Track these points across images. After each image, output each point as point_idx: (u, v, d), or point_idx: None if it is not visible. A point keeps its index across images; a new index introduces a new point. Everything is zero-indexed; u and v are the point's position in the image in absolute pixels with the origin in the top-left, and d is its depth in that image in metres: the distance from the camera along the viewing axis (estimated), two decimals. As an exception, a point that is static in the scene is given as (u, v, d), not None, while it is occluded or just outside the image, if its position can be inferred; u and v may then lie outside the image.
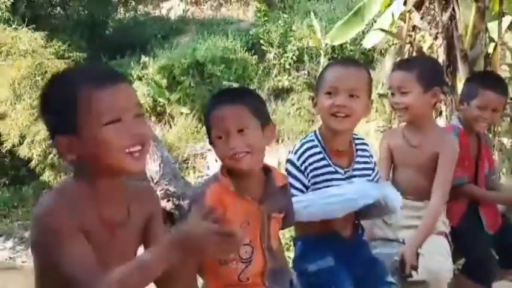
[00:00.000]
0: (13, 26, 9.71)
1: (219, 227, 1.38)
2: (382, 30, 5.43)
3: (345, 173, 2.22)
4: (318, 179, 2.19)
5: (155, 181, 6.86)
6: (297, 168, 2.19)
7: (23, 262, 7.79)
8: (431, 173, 2.63)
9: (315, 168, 2.19)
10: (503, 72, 5.38)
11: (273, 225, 1.96)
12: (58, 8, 12.26)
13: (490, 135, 5.10)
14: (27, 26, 9.73)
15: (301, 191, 2.17)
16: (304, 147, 2.20)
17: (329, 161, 2.20)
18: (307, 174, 2.18)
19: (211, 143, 1.91)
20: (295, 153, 2.21)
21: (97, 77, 1.51)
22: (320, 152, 2.20)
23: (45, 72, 8.62)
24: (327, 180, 2.19)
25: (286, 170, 2.20)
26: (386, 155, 2.74)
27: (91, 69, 1.64)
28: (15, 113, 8.63)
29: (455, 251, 2.72)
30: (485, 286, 2.78)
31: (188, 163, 9.33)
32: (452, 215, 2.81)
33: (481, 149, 2.96)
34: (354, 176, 2.24)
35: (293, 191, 2.13)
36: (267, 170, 1.95)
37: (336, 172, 2.21)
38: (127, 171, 1.51)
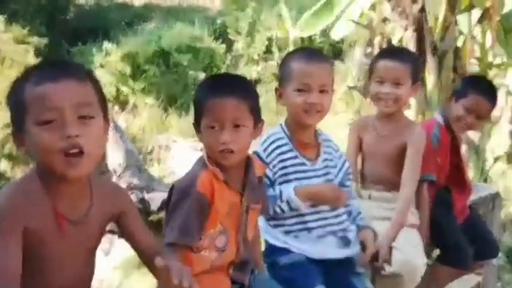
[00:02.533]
0: (-31, 10, 9.37)
1: None
2: (353, 21, 5.35)
3: (311, 164, 2.25)
4: (287, 171, 2.20)
5: (118, 174, 6.71)
6: (262, 160, 2.17)
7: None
8: (400, 164, 2.64)
9: (283, 160, 2.20)
10: (472, 66, 5.38)
11: (251, 216, 1.97)
12: (18, -8, 11.87)
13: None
14: (-16, 10, 9.41)
15: (268, 185, 2.17)
16: (271, 139, 2.22)
17: (296, 153, 2.22)
18: (274, 166, 2.19)
19: (197, 129, 1.88)
20: (262, 144, 2.22)
21: (40, 73, 1.49)
22: (286, 144, 2.22)
23: (4, 58, 8.33)
24: (296, 172, 2.21)
25: None
26: (355, 145, 2.76)
27: (44, 64, 1.59)
28: (-30, 100, 8.31)
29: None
30: (463, 269, 2.85)
31: (152, 155, 9.14)
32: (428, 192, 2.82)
33: (452, 138, 2.97)
34: (321, 168, 2.27)
35: None
36: (248, 160, 1.95)
37: (303, 164, 2.23)
38: (63, 176, 1.46)
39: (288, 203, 2.15)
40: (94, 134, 1.48)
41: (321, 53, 2.38)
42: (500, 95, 5.37)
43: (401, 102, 2.65)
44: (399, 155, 2.66)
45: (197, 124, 1.89)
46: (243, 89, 1.92)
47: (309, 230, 2.20)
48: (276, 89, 2.28)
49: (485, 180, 5.41)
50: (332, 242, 2.23)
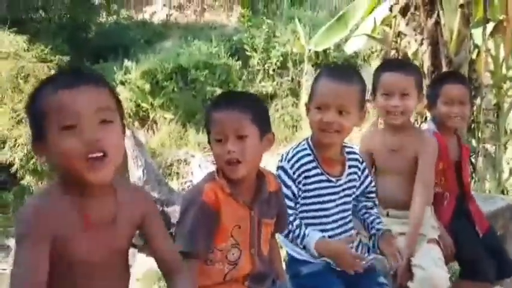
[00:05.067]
0: (-6, 30, 9.59)
1: None
2: (368, 35, 5.44)
3: (336, 181, 2.24)
4: (309, 187, 2.20)
5: (138, 187, 6.79)
6: (289, 176, 2.18)
7: (3, 269, 7.65)
8: (413, 181, 2.60)
9: (307, 177, 2.19)
10: (487, 79, 5.42)
11: (264, 230, 1.97)
12: (40, 11, 12.11)
13: (474, 141, 5.15)
14: (8, 29, 9.60)
15: (290, 199, 2.17)
16: (298, 155, 2.21)
17: (321, 169, 2.21)
18: (299, 183, 2.19)
19: (209, 143, 1.91)
20: (289, 161, 2.20)
21: (59, 79, 1.49)
22: (312, 161, 2.21)
23: (28, 75, 8.51)
24: (319, 189, 2.21)
25: (278, 176, 2.19)
26: (367, 160, 2.64)
27: (62, 72, 1.63)
28: (-4, 116, 8.51)
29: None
30: (484, 282, 2.76)
31: (171, 169, 9.25)
32: (440, 215, 2.79)
33: (462, 152, 2.95)
34: (344, 184, 2.26)
35: None
36: (260, 175, 1.95)
37: (328, 180, 2.23)
38: (86, 181, 1.46)
39: (304, 247, 2.16)
40: (114, 137, 1.48)
41: (349, 72, 2.26)
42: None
43: (409, 113, 2.60)
44: (411, 169, 2.60)
45: (209, 140, 1.92)
46: (244, 101, 1.92)
47: None
48: (306, 104, 2.26)
49: (502, 192, 5.39)
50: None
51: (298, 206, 2.21)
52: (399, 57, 4.90)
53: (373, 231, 2.38)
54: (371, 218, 2.41)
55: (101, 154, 1.43)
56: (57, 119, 1.42)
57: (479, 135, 5.11)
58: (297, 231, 2.16)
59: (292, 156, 2.21)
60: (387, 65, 2.86)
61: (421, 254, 2.51)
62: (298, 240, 2.16)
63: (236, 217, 1.88)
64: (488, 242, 2.84)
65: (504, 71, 5.72)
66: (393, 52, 5.03)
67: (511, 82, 5.71)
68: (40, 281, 1.40)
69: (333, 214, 2.25)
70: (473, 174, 4.92)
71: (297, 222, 2.17)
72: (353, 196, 2.35)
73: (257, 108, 1.93)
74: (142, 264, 5.67)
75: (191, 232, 1.80)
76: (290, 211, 2.15)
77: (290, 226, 2.16)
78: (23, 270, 1.40)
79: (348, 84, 2.17)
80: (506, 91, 5.72)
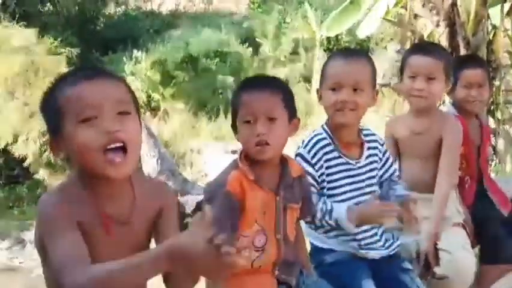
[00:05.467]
0: (3, 24, 9.57)
1: (217, 254, 1.26)
2: (384, 19, 5.35)
3: (356, 163, 2.21)
4: (331, 171, 2.18)
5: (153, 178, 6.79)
6: (307, 162, 2.15)
7: (20, 263, 7.69)
8: (437, 163, 2.56)
9: (327, 160, 2.17)
10: (505, 59, 5.34)
11: (290, 216, 1.95)
12: (48, 5, 12.10)
13: (493, 123, 5.07)
14: (17, 23, 9.60)
15: (312, 185, 2.14)
16: (314, 140, 2.19)
17: (339, 153, 2.19)
18: (320, 167, 2.16)
19: (234, 127, 1.89)
20: (305, 147, 2.18)
21: (74, 74, 1.49)
22: (329, 144, 2.19)
23: (38, 69, 8.49)
24: (340, 172, 2.19)
25: None
26: (391, 145, 2.64)
27: (75, 69, 1.60)
28: (8, 110, 8.50)
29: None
30: (509, 263, 2.72)
31: (185, 159, 9.24)
32: (463, 199, 2.76)
33: (482, 134, 2.91)
34: (365, 166, 2.23)
35: None
36: (283, 160, 1.93)
37: (348, 163, 2.20)
38: (105, 176, 1.44)
39: (336, 221, 2.10)
40: (133, 129, 1.47)
41: (359, 52, 2.30)
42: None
43: (434, 97, 2.57)
44: (436, 152, 2.57)
45: (234, 125, 1.89)
46: (276, 83, 1.92)
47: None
48: (317, 90, 2.23)
49: (523, 173, 5.34)
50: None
51: (323, 190, 2.18)
52: (416, 40, 4.83)
53: (392, 198, 2.27)
54: (395, 190, 2.32)
55: (121, 144, 1.42)
56: (75, 111, 1.41)
57: (499, 116, 5.03)
58: (324, 208, 2.13)
59: (309, 142, 2.19)
60: (417, 47, 2.84)
61: (447, 238, 2.47)
62: (327, 217, 2.11)
63: (261, 203, 1.86)
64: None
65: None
66: (409, 34, 4.96)
67: (529, 62, 5.61)
68: (87, 256, 1.38)
69: (355, 197, 2.20)
70: (494, 156, 4.84)
71: (320, 205, 2.14)
72: (377, 179, 2.29)
73: (287, 91, 1.91)
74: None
75: (215, 224, 1.78)
76: (315, 197, 2.12)
77: (316, 209, 2.13)
78: (68, 251, 1.37)
79: (360, 61, 2.18)
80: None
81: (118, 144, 1.42)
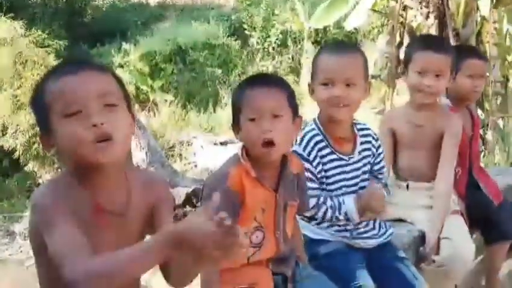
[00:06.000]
0: (-10, 16, 9.49)
1: (224, 233, 1.26)
2: (374, 10, 5.38)
3: (349, 159, 2.20)
4: (325, 167, 2.17)
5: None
6: (305, 159, 2.14)
7: (9, 255, 7.66)
8: (437, 154, 2.60)
9: (322, 156, 2.16)
10: (494, 50, 5.39)
11: (289, 214, 1.94)
12: (35, -4, 12.01)
13: (482, 114, 5.12)
14: (5, 15, 9.51)
15: (312, 181, 2.14)
16: (308, 136, 2.17)
17: (331, 148, 2.18)
18: (318, 164, 2.16)
19: (235, 126, 1.86)
20: (300, 144, 2.17)
21: (58, 70, 1.47)
22: (322, 140, 2.17)
23: (26, 61, 8.43)
24: (334, 168, 2.18)
25: None
26: (388, 138, 2.65)
27: (61, 63, 1.60)
28: (-4, 103, 8.44)
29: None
30: (506, 240, 2.80)
31: (174, 151, 9.23)
32: (456, 187, 2.79)
33: (474, 125, 2.95)
34: (359, 162, 2.22)
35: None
36: (284, 157, 1.91)
37: (340, 159, 2.19)
38: (95, 163, 1.42)
39: (345, 214, 2.12)
40: (119, 120, 1.44)
41: (350, 45, 2.28)
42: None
43: (439, 93, 2.60)
44: (437, 145, 2.60)
45: (235, 124, 1.85)
46: (280, 81, 1.90)
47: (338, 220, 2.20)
48: (309, 84, 2.20)
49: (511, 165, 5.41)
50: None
51: (323, 185, 2.18)
52: (406, 32, 4.87)
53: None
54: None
55: (107, 139, 1.40)
56: (60, 107, 1.40)
57: (487, 107, 5.09)
58: (333, 205, 2.13)
59: (303, 139, 2.17)
60: (424, 42, 2.81)
61: (447, 225, 2.51)
62: (337, 213, 2.12)
63: (261, 201, 1.84)
64: (506, 209, 2.87)
65: (508, 42, 5.68)
66: (398, 26, 4.99)
67: (515, 54, 5.68)
68: (87, 246, 1.37)
69: (350, 192, 2.20)
70: (483, 147, 4.90)
71: (325, 199, 2.15)
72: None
73: (290, 90, 1.89)
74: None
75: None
76: (315, 192, 2.12)
77: (316, 207, 2.13)
78: (68, 242, 1.36)
79: (351, 55, 2.14)
80: (511, 63, 5.69)
81: (104, 139, 1.40)
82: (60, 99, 1.40)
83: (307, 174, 2.11)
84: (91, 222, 1.45)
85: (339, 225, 2.18)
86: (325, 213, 2.14)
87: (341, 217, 2.14)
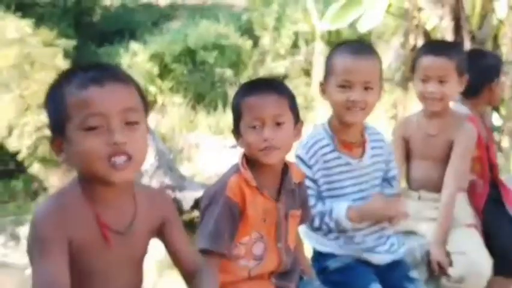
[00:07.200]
0: (-2, 15, 9.45)
1: None
2: (388, 12, 5.25)
3: (358, 163, 2.16)
4: (331, 172, 2.13)
5: (149, 174, 6.72)
6: (305, 163, 2.11)
7: (14, 260, 7.63)
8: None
9: (326, 161, 2.12)
10: (509, 54, 5.23)
11: (291, 224, 1.89)
12: (44, -5, 11.98)
13: (499, 119, 4.98)
14: (13, 14, 9.47)
15: (309, 187, 2.09)
16: (312, 141, 2.14)
17: (339, 153, 2.13)
18: (319, 169, 2.11)
19: (235, 132, 1.83)
20: (303, 148, 2.14)
21: (83, 76, 1.42)
22: (328, 144, 2.14)
23: (34, 61, 8.39)
24: (341, 172, 2.14)
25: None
26: (401, 147, 2.63)
27: (84, 67, 1.48)
28: (2, 103, 8.38)
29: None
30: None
31: (182, 154, 9.14)
32: (474, 203, 2.71)
33: (488, 135, 2.88)
34: (369, 166, 2.18)
35: None
36: (285, 166, 1.87)
37: (348, 163, 2.14)
38: (107, 181, 1.40)
39: (336, 221, 2.07)
40: (139, 140, 1.43)
41: (368, 47, 2.19)
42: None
43: (447, 99, 2.53)
44: (448, 154, 2.55)
45: (236, 129, 1.83)
46: (281, 87, 1.86)
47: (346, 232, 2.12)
48: (321, 84, 2.17)
49: (528, 171, 5.25)
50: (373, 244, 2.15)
51: (322, 193, 2.14)
52: (421, 34, 4.74)
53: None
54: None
55: (125, 157, 1.39)
56: (81, 118, 1.37)
57: (504, 113, 4.95)
58: (323, 210, 2.10)
59: (307, 142, 2.15)
60: (428, 47, 2.75)
61: (461, 239, 2.46)
62: (327, 219, 2.08)
63: (262, 210, 1.81)
64: None
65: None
66: (412, 28, 4.87)
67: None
68: (61, 285, 1.36)
69: (359, 198, 2.15)
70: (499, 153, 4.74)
71: (319, 206, 2.11)
72: (381, 179, 2.24)
73: (291, 94, 1.86)
74: (153, 254, 5.55)
75: (215, 230, 1.74)
76: (313, 199, 2.09)
77: (313, 212, 2.09)
78: (47, 276, 1.36)
79: (370, 58, 2.11)
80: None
81: (122, 157, 1.38)
82: (83, 110, 1.37)
83: (306, 180, 2.06)
84: (95, 240, 1.45)
85: (347, 237, 2.13)
86: (312, 222, 2.08)
87: (332, 224, 2.08)
